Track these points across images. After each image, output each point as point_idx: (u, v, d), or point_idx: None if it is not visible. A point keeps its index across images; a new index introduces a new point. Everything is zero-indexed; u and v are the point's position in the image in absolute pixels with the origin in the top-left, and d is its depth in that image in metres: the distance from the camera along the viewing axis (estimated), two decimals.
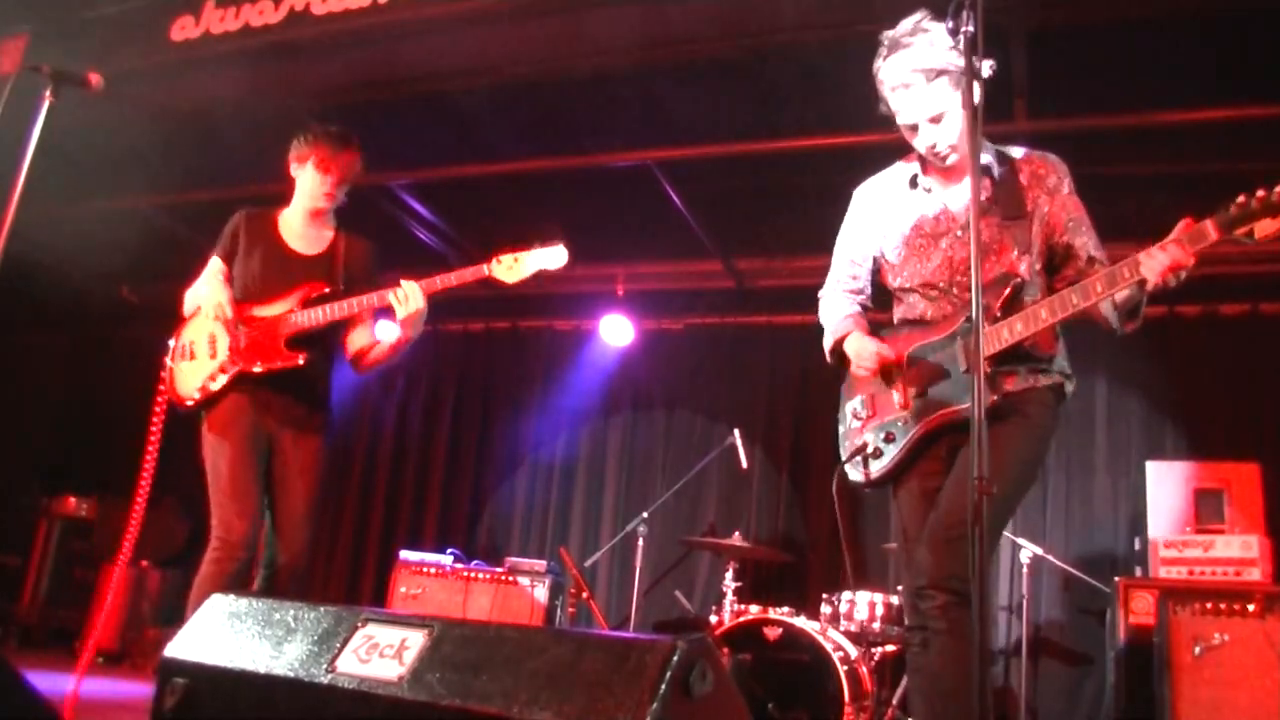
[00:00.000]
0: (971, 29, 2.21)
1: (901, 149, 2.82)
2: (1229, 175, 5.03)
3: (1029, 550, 5.04)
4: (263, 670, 1.83)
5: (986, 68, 2.36)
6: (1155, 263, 2.29)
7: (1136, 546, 5.05)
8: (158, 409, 3.35)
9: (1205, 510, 4.74)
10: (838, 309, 2.90)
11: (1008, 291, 2.51)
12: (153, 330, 3.85)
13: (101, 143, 5.12)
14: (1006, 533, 4.82)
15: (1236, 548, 4.54)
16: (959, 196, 2.67)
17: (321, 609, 1.91)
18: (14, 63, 5.20)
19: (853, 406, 2.82)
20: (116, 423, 7.56)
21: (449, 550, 6.04)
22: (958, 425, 2.52)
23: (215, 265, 3.46)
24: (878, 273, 2.88)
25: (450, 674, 1.62)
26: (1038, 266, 2.60)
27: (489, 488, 7.44)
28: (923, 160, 2.72)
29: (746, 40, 4.36)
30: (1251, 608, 3.97)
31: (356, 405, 7.74)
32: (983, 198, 2.53)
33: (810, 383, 6.64)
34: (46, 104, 3.17)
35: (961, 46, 2.22)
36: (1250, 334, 5.73)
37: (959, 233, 2.64)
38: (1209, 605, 4.04)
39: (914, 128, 2.59)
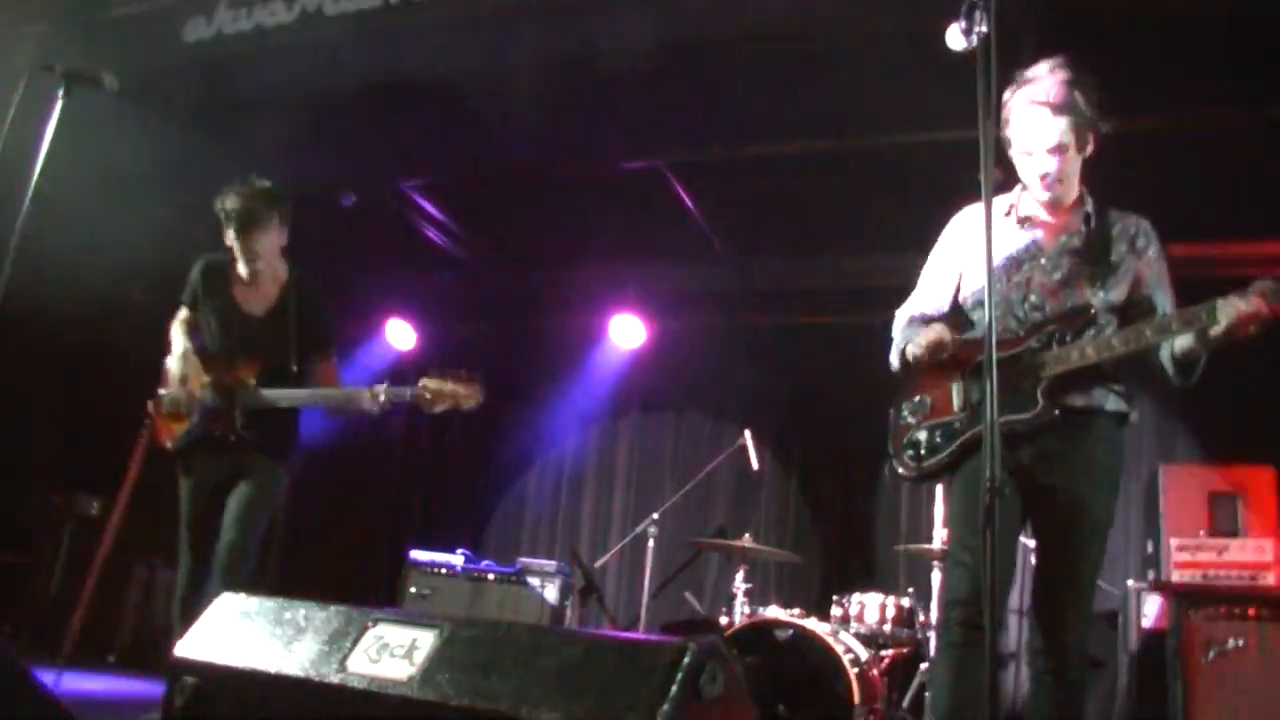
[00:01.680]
0: (985, 29, 2.22)
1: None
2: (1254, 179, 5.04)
3: None
4: (273, 670, 1.83)
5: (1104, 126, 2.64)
6: (1231, 308, 2.41)
7: (1149, 550, 5.02)
8: (140, 447, 3.93)
9: (1219, 514, 4.71)
10: (913, 324, 3.04)
11: (1083, 320, 2.69)
12: (165, 332, 3.93)
13: (115, 143, 5.14)
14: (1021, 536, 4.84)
15: (1251, 551, 4.50)
16: (1053, 233, 2.82)
17: (332, 609, 1.91)
18: (26, 63, 5.22)
19: (910, 406, 2.95)
20: (127, 423, 7.59)
21: (459, 550, 6.04)
22: (1011, 436, 2.62)
23: (180, 325, 3.80)
24: (956, 294, 3.01)
25: (460, 674, 1.62)
26: (1110, 305, 2.73)
27: (499, 487, 7.45)
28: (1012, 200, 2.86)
29: (759, 43, 4.34)
30: (1266, 612, 3.94)
31: None
32: (1076, 241, 2.76)
33: (821, 384, 6.62)
34: (59, 104, 3.18)
35: (1089, 98, 2.58)
36: (1266, 336, 5.67)
37: (1043, 262, 2.79)
38: (1223, 609, 4.01)
39: (1029, 154, 2.73)
